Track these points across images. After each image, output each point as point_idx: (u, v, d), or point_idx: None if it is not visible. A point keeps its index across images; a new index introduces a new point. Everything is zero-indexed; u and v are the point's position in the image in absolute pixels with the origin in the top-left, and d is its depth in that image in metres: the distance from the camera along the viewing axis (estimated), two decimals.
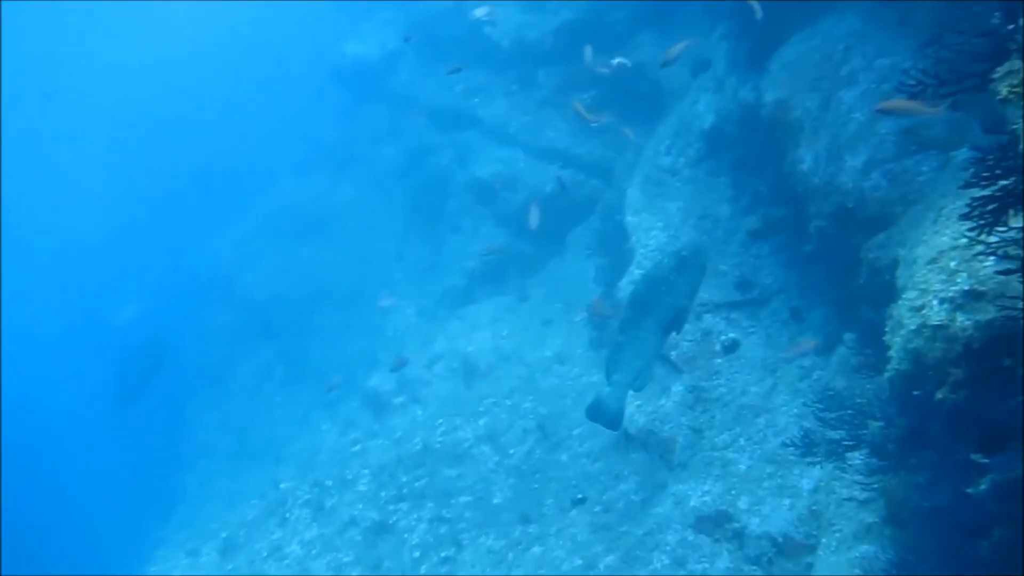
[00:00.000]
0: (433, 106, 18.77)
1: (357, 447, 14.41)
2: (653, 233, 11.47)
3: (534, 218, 12.27)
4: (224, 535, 15.17)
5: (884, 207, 7.77)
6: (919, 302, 4.62)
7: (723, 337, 9.93)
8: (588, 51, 11.67)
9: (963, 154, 7.49)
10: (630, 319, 6.67)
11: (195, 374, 21.00)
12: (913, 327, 4.61)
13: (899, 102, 6.68)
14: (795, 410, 8.85)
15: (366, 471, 13.53)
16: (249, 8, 33.84)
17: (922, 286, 4.66)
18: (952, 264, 4.52)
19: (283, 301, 20.60)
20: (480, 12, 11.79)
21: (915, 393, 4.72)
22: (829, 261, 8.89)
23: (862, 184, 7.91)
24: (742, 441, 9.05)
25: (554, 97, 16.11)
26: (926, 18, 8.63)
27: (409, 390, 15.46)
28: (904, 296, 4.89)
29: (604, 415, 6.69)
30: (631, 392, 6.76)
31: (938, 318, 4.46)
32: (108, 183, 34.23)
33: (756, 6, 9.01)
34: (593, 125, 12.01)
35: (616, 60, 11.67)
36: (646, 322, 6.59)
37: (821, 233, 8.45)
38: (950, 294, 4.43)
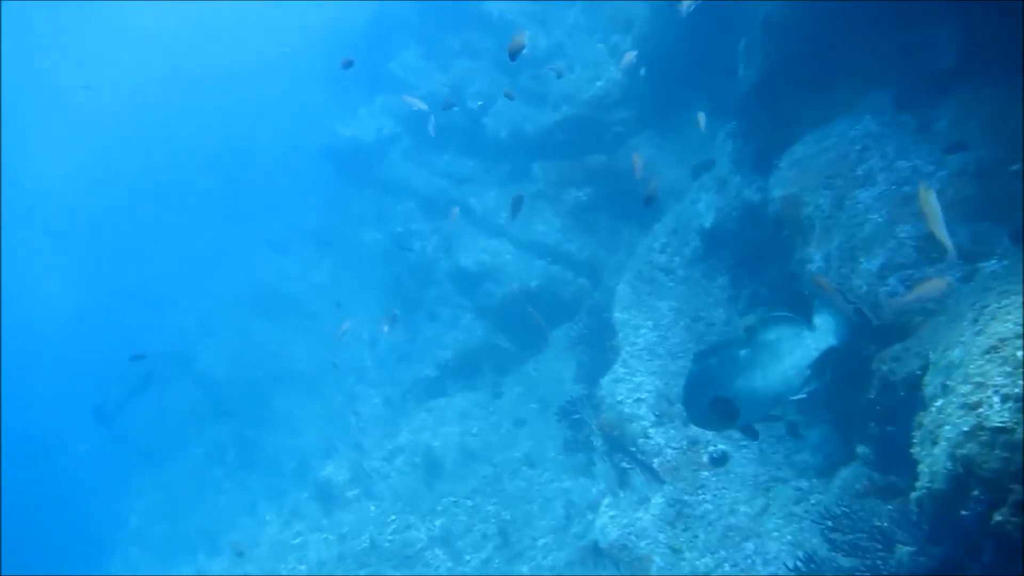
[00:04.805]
0: (422, 192, 18.30)
1: (298, 540, 13.08)
2: (642, 332, 10.73)
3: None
4: None
5: (901, 316, 7.11)
6: (974, 398, 3.82)
7: (711, 448, 9.04)
8: None
9: (991, 266, 6.90)
10: None
11: (140, 453, 19.68)
12: (965, 428, 3.79)
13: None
14: (788, 536, 7.92)
15: (303, 567, 12.19)
16: (244, 81, 33.74)
17: (978, 379, 3.87)
18: (1019, 354, 3.75)
19: (243, 381, 19.55)
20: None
21: (964, 513, 3.85)
22: (834, 372, 8.13)
23: (877, 289, 7.28)
24: (727, 567, 8.06)
25: (548, 191, 15.66)
26: (947, 128, 8.27)
27: (364, 483, 14.32)
28: (953, 389, 4.08)
29: None
30: None
31: (999, 419, 3.66)
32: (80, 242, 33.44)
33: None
34: None
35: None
36: None
37: None
38: (1016, 391, 3.65)
